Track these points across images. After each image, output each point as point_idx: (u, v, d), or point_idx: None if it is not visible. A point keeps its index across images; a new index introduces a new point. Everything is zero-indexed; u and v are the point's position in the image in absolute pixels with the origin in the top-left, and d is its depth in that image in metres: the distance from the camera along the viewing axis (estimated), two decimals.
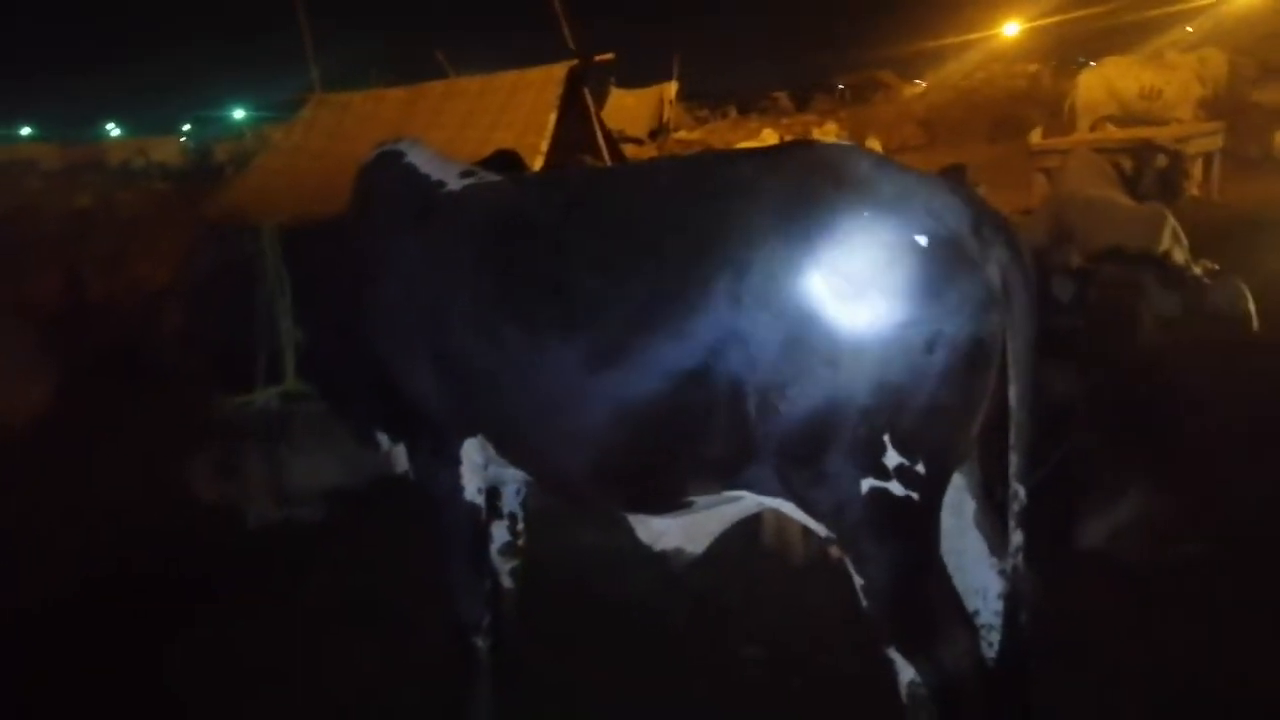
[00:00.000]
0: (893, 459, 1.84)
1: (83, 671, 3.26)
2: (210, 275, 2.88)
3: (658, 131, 20.38)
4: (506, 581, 2.84)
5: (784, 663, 3.03)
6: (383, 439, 2.69)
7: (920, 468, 1.85)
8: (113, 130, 47.53)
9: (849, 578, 2.04)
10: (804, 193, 1.95)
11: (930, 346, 1.80)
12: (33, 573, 3.87)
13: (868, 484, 1.87)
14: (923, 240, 1.82)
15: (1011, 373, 1.94)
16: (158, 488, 4.58)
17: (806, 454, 1.90)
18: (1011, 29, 31.49)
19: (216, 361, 2.97)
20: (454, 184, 2.53)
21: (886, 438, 1.83)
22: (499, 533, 2.81)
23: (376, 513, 4.19)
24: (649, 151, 16.50)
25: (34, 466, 4.95)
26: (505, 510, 2.81)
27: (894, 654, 2.01)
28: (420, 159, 2.62)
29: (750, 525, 3.44)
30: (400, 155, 2.63)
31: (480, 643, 2.66)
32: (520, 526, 2.85)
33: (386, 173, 2.63)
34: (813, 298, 1.83)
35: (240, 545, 4.16)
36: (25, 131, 48.15)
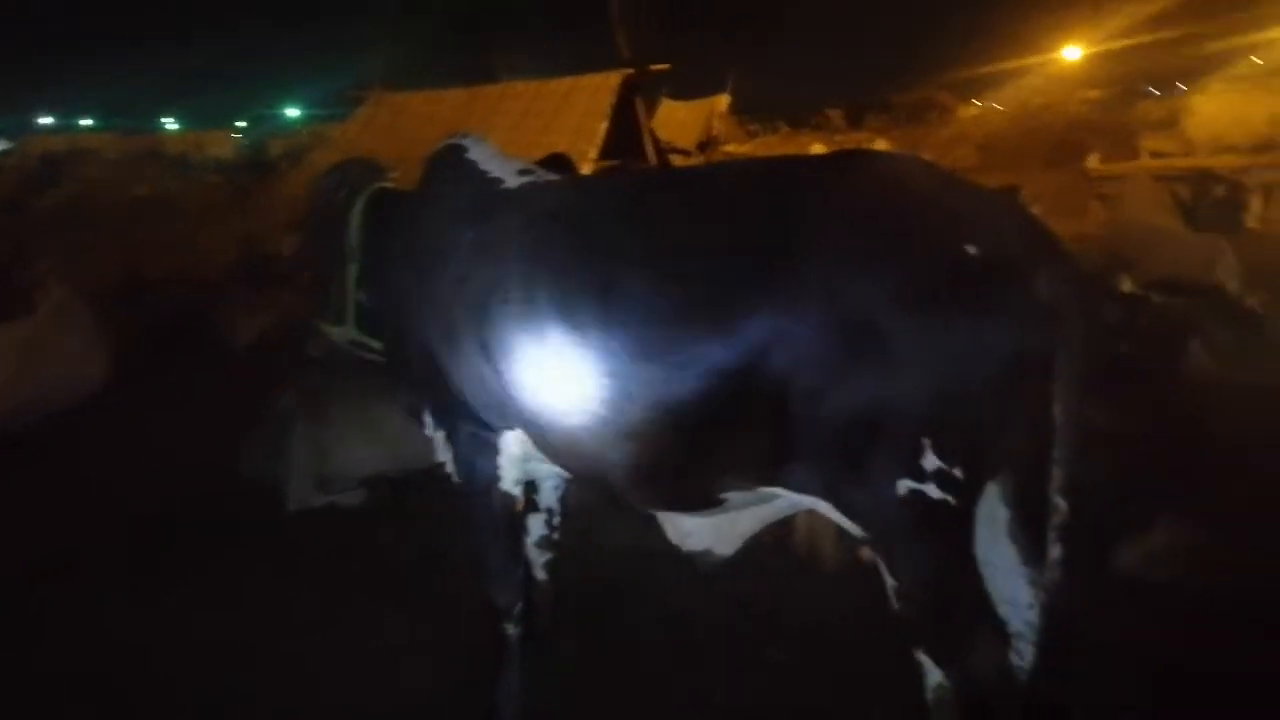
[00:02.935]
0: (931, 462, 1.84)
1: (104, 639, 3.36)
2: (315, 215, 3.05)
3: (706, 144, 20.42)
4: (540, 574, 2.88)
5: (809, 665, 3.03)
6: (427, 422, 2.74)
7: (958, 472, 1.85)
8: (169, 124, 48.69)
9: (878, 583, 2.04)
10: (860, 198, 1.98)
11: (976, 356, 1.81)
12: (69, 544, 3.99)
13: (905, 486, 1.88)
14: (974, 250, 1.83)
15: (1059, 389, 1.94)
16: (205, 464, 4.70)
17: (846, 454, 1.91)
18: (1073, 53, 31.08)
19: (315, 289, 3.14)
20: (511, 180, 2.59)
21: (927, 442, 1.83)
22: (535, 526, 2.84)
23: (414, 501, 4.28)
24: (697, 164, 16.55)
25: (86, 440, 5.13)
26: (543, 504, 2.85)
27: (923, 657, 2.01)
28: (481, 154, 2.69)
29: (781, 530, 3.45)
30: (464, 149, 2.71)
31: (512, 629, 2.70)
32: (556, 521, 2.89)
33: (448, 164, 2.70)
34: (864, 302, 1.84)
35: (278, 526, 4.24)
36: (85, 122, 49.61)
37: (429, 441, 2.86)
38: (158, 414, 5.38)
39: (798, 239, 1.93)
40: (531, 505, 2.80)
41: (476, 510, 2.67)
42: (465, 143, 2.74)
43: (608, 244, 2.22)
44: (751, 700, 2.91)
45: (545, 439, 2.41)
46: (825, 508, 2.06)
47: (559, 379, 2.22)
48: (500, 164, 2.67)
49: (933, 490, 1.86)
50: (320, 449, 4.40)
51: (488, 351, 2.37)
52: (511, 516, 2.66)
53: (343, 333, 2.98)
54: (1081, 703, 2.17)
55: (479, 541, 2.71)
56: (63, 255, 7.76)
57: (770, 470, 2.06)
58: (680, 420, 2.07)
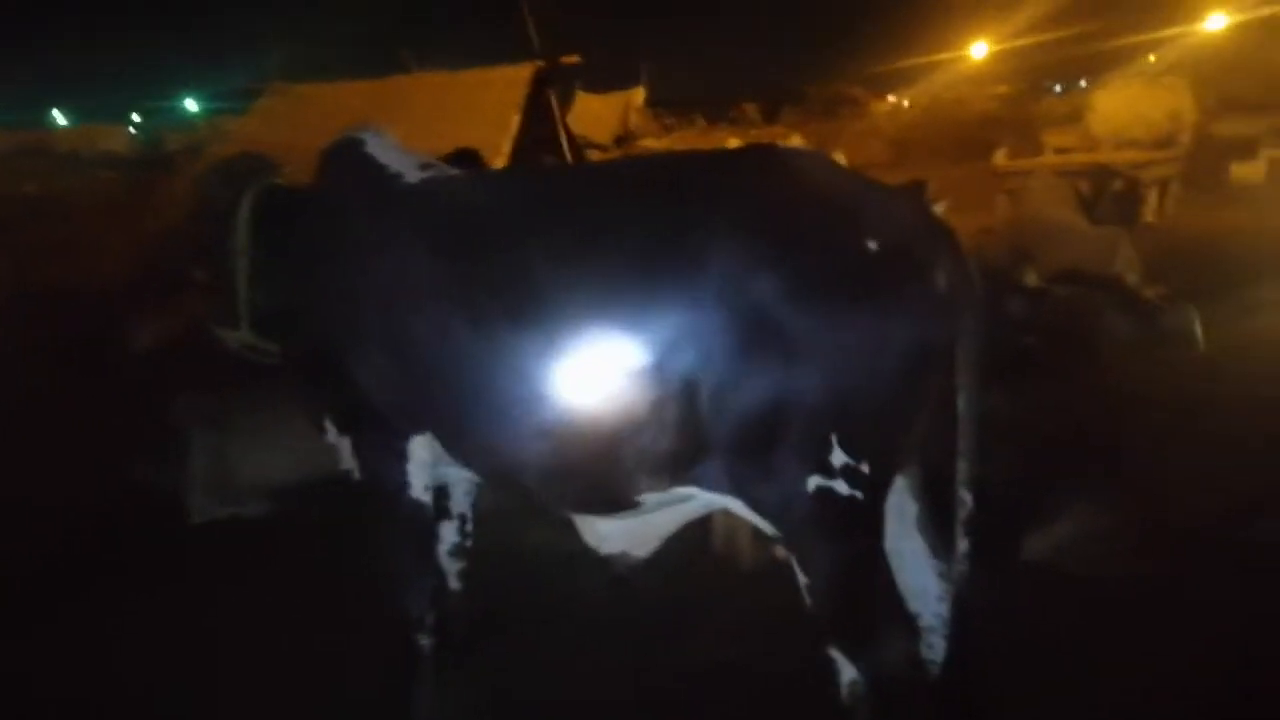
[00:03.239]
0: (839, 458, 1.85)
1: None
2: (200, 213, 2.86)
3: (623, 139, 20.40)
4: (454, 583, 2.79)
5: (729, 665, 3.01)
6: (329, 428, 2.63)
7: (865, 468, 1.86)
8: (58, 118, 46.39)
9: (795, 581, 2.04)
10: (761, 194, 1.97)
11: (878, 350, 1.83)
12: None
13: (814, 482, 1.88)
14: (874, 245, 1.84)
15: (960, 381, 1.99)
16: (102, 477, 4.47)
17: (755, 451, 1.91)
18: (980, 50, 32.02)
19: (209, 291, 2.93)
20: (411, 175, 2.51)
21: (834, 437, 1.84)
22: (447, 533, 2.76)
23: (321, 511, 4.13)
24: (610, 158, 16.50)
25: None
26: (454, 511, 2.76)
27: (835, 653, 2.02)
28: (379, 149, 2.59)
29: (699, 530, 3.44)
30: (361, 143, 2.60)
31: (424, 640, 2.63)
32: (469, 527, 2.81)
33: (347, 159, 2.59)
34: (766, 297, 1.83)
35: (182, 539, 4.06)
36: None
37: (333, 449, 2.76)
38: (51, 424, 5.08)
39: (701, 235, 1.92)
40: (443, 512, 2.71)
41: (384, 519, 2.59)
42: (363, 136, 2.63)
43: (513, 241, 2.16)
44: (671, 700, 2.89)
45: (455, 442, 2.35)
46: (738, 507, 2.05)
47: (467, 379, 2.16)
48: (400, 158, 2.57)
49: (841, 486, 1.86)
50: (222, 459, 4.23)
51: (393, 352, 2.29)
52: (421, 524, 2.58)
53: (238, 337, 2.84)
54: (991, 694, 2.21)
55: (388, 551, 2.62)
56: None
57: (682, 470, 2.04)
58: (590, 419, 2.03)
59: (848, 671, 2.01)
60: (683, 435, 1.97)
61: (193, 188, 2.93)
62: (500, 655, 3.07)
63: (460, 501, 2.77)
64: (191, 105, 42.81)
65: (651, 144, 20.09)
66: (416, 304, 2.22)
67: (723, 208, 1.94)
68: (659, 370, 1.92)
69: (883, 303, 1.82)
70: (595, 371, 2.00)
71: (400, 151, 2.62)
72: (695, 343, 1.89)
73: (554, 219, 2.18)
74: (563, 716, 2.87)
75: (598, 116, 20.13)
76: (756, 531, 3.35)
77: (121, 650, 3.23)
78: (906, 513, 2.14)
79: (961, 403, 1.99)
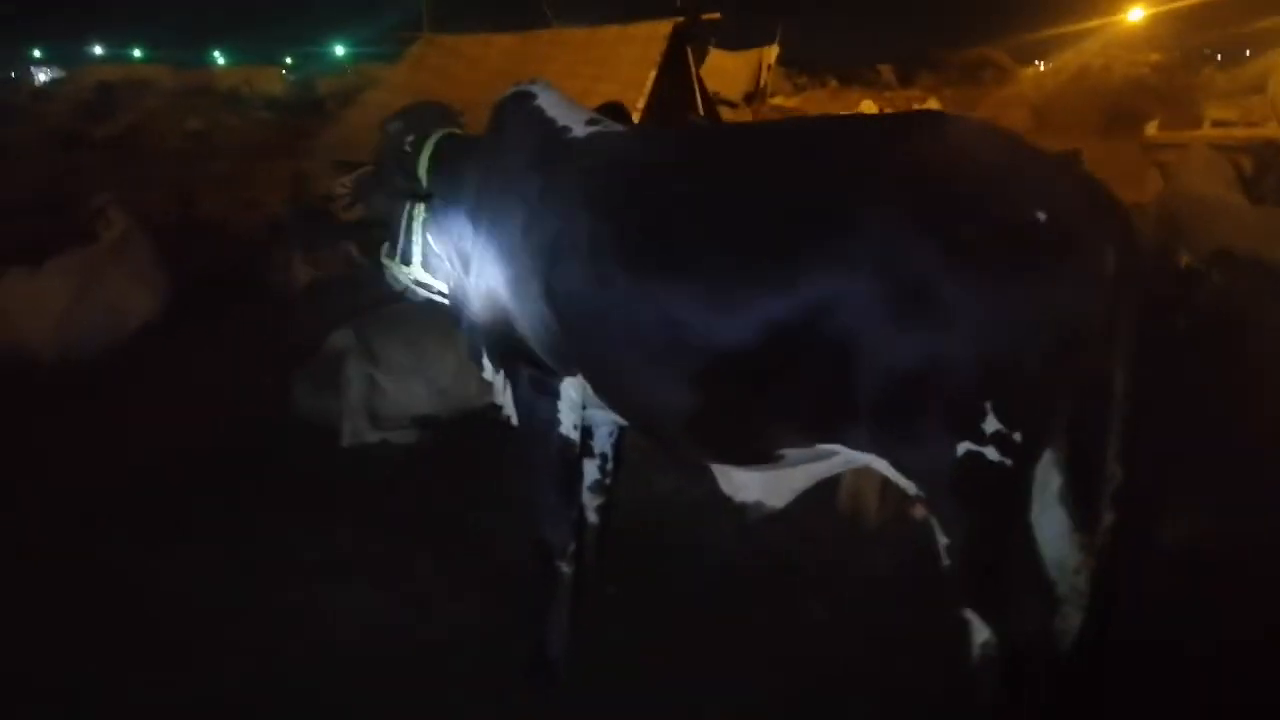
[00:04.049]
0: (991, 425, 1.87)
1: (145, 575, 3.41)
2: (383, 156, 3.10)
3: (753, 96, 20.14)
4: (592, 517, 2.97)
5: (852, 621, 3.09)
6: (487, 365, 2.81)
7: (1017, 436, 1.88)
8: (219, 58, 49.04)
9: (921, 541, 2.09)
10: (927, 159, 1.99)
11: (1041, 323, 1.83)
12: (116, 477, 4.09)
13: (964, 447, 1.91)
14: (1041, 216, 1.84)
15: (1117, 357, 1.97)
16: (261, 400, 4.84)
17: (907, 414, 1.94)
18: (1136, 15, 30.02)
19: (381, 229, 3.24)
20: (579, 129, 2.61)
21: (988, 404, 1.87)
22: (589, 470, 2.92)
23: (463, 442, 4.40)
24: (743, 116, 16.34)
25: (140, 372, 5.24)
26: (596, 450, 2.92)
27: (970, 614, 2.05)
28: (550, 102, 2.71)
29: (826, 487, 3.50)
30: (533, 96, 2.73)
31: (565, 567, 2.80)
32: (609, 466, 2.96)
33: (519, 111, 2.72)
34: (929, 263, 1.86)
35: (334, 460, 4.37)
36: (136, 53, 50.14)
37: (485, 384, 2.94)
38: (212, 350, 5.51)
39: (864, 197, 1.95)
40: (586, 450, 2.87)
41: (533, 453, 2.75)
42: (534, 89, 2.76)
43: (673, 195, 2.24)
44: (792, 654, 2.97)
45: (607, 386, 2.47)
46: (882, 465, 2.10)
47: (623, 327, 2.26)
48: (568, 112, 2.69)
49: (991, 452, 1.89)
50: (375, 387, 4.51)
51: (552, 296, 2.42)
52: (568, 459, 2.74)
53: (408, 272, 3.06)
54: (1120, 670, 2.22)
55: (534, 483, 2.79)
56: (121, 186, 7.88)
57: (830, 428, 2.10)
58: (738, 373, 2.11)
59: (980, 633, 2.05)
60: (832, 395, 2.01)
61: (378, 131, 3.13)
62: (625, 593, 3.23)
63: (602, 441, 2.93)
64: (340, 51, 44.65)
65: (782, 102, 19.80)
66: (579, 253, 2.33)
67: (890, 170, 1.97)
68: (811, 327, 1.96)
69: (1048, 275, 1.82)
70: (746, 326, 2.06)
71: (569, 106, 2.74)
72: (850, 303, 1.92)
73: (716, 175, 2.24)
74: (679, 659, 2.97)
75: (730, 73, 19.95)
76: (884, 488, 3.45)
77: (271, 562, 3.50)
78: (1050, 485, 2.14)
79: (1117, 379, 1.98)
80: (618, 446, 2.98)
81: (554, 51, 10.82)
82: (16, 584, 3.32)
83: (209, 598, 3.30)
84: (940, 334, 1.86)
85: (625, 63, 10.02)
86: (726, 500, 2.58)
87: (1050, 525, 2.17)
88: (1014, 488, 1.97)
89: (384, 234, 3.18)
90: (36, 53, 51.75)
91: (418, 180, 2.91)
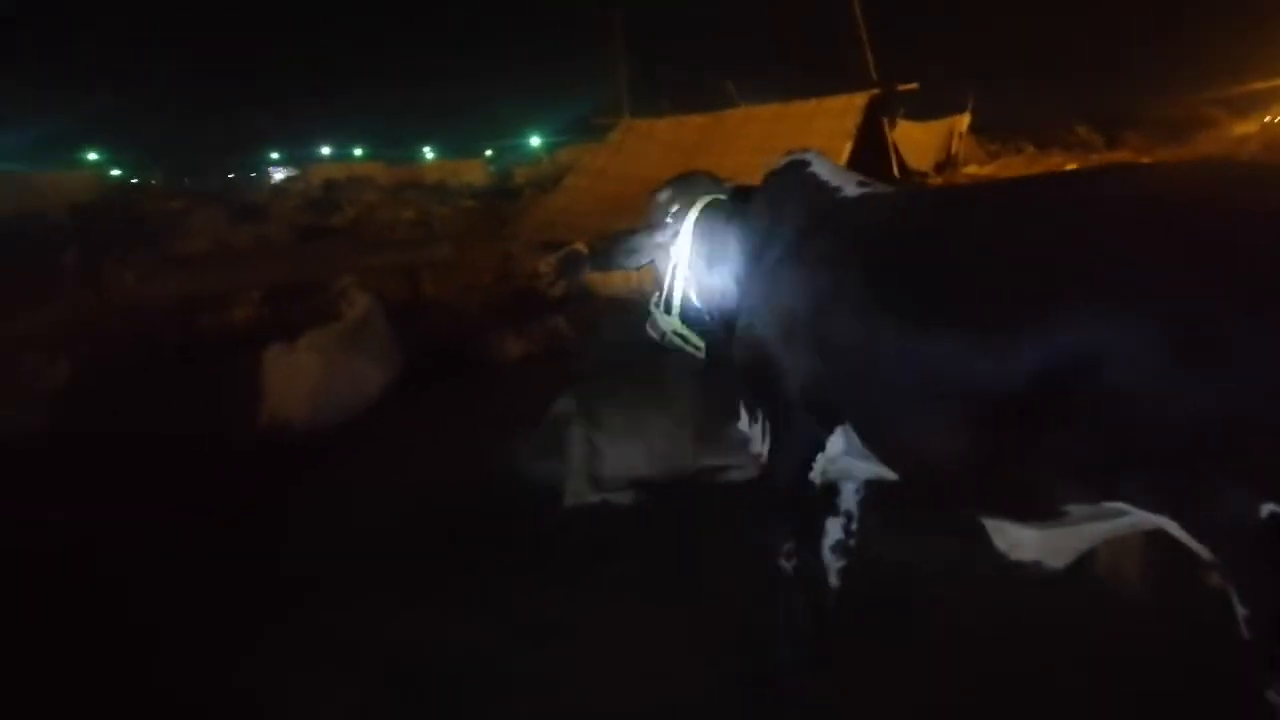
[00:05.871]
0: None
1: (374, 633, 3.58)
2: (653, 219, 3.28)
3: (944, 165, 19.79)
4: (833, 580, 2.91)
5: (1110, 696, 2.86)
6: (745, 415, 2.87)
7: None
8: (427, 153, 53.94)
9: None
10: (1206, 200, 1.91)
11: None
12: (356, 539, 4.39)
13: (1268, 509, 1.77)
14: None
15: None
16: (485, 464, 5.11)
17: (1199, 471, 1.82)
18: None
19: (653, 284, 3.39)
20: (851, 190, 2.74)
21: None
22: (833, 529, 2.89)
23: (681, 503, 4.46)
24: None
25: (377, 442, 5.66)
26: (842, 508, 2.89)
27: (1276, 697, 1.87)
28: (822, 168, 2.87)
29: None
30: (806, 164, 2.90)
31: (799, 636, 2.76)
32: (854, 526, 2.91)
33: (793, 176, 2.89)
34: (1208, 310, 1.76)
35: (556, 521, 4.53)
36: (357, 152, 56.18)
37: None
38: (443, 418, 5.89)
39: (1135, 241, 1.88)
40: (831, 509, 2.85)
41: (777, 502, 2.76)
42: (807, 157, 2.93)
43: (939, 250, 2.26)
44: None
45: (877, 438, 2.46)
46: (1173, 528, 1.97)
47: (894, 378, 2.26)
48: (840, 175, 2.84)
49: None
50: (595, 450, 4.68)
51: (825, 351, 2.46)
52: (811, 513, 2.75)
53: (669, 322, 3.21)
54: None
55: (773, 533, 2.77)
56: (356, 270, 8.67)
57: (1112, 482, 2.00)
58: (1014, 419, 2.04)
59: None
60: (1113, 446, 1.93)
61: (647, 198, 3.33)
62: (862, 655, 3.10)
63: (849, 499, 2.89)
64: (534, 141, 48.01)
65: (975, 171, 19.29)
66: (853, 305, 2.37)
67: (1162, 216, 1.90)
68: (1084, 374, 1.89)
69: None
70: (1018, 374, 2.00)
71: (839, 170, 2.90)
72: (1120, 354, 1.84)
73: (979, 228, 2.25)
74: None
75: (918, 143, 19.76)
76: (1147, 553, 3.18)
77: (494, 616, 3.62)
78: None
79: None
80: (862, 506, 2.94)
81: (746, 128, 11.10)
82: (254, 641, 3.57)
83: (441, 661, 3.40)
84: (1227, 384, 1.74)
85: (818, 135, 10.14)
86: (1002, 557, 2.47)
87: None
88: None
89: (655, 287, 3.35)
90: (275, 155, 59.46)
91: (685, 240, 3.09)
